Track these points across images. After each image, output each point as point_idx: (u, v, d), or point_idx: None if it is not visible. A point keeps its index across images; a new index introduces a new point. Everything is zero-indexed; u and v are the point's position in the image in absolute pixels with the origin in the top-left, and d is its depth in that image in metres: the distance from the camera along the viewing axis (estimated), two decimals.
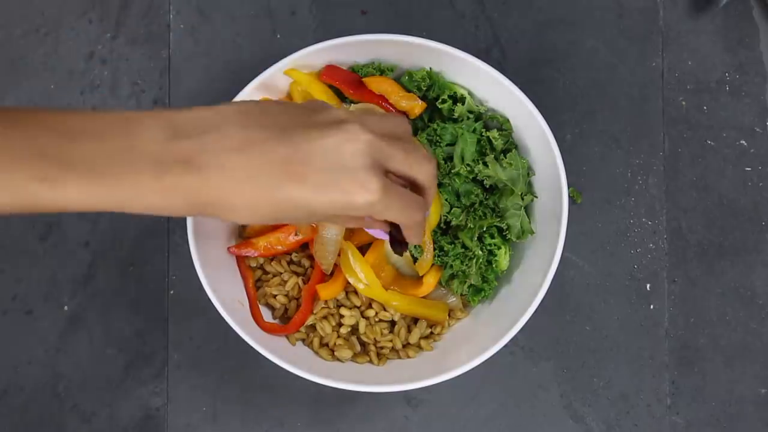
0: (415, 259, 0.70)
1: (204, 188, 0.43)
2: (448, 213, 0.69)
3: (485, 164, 0.67)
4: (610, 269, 0.76)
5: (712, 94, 0.78)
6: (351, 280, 0.67)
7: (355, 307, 0.70)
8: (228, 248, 0.70)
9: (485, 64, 0.66)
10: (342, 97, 0.70)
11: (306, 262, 0.70)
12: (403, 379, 0.66)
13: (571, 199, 0.75)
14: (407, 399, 0.75)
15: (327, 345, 0.70)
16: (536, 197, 0.69)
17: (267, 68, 0.66)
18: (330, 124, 0.45)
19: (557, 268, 0.65)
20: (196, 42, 0.77)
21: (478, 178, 0.68)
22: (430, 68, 0.69)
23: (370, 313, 0.70)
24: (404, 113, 0.70)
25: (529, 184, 0.70)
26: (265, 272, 0.71)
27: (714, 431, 0.76)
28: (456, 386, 0.74)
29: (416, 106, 0.69)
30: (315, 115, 0.47)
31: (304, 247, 0.71)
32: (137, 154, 0.42)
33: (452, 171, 0.68)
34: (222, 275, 0.68)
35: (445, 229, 0.71)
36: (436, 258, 0.69)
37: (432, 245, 0.69)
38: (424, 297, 0.70)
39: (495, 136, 0.68)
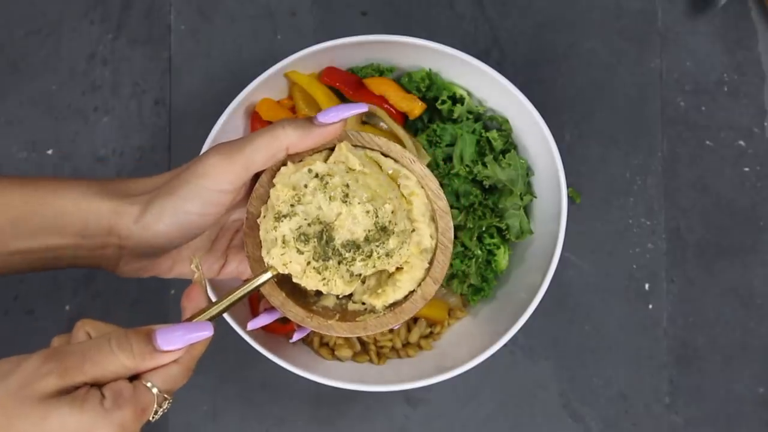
0: None
1: None
2: None
3: (484, 165, 0.68)
4: (609, 269, 0.77)
5: (711, 95, 0.78)
6: None
7: None
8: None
9: (484, 64, 0.66)
10: (342, 98, 0.70)
11: None
12: (402, 378, 0.66)
13: (570, 199, 0.75)
14: (407, 398, 0.76)
15: (327, 344, 0.70)
16: (535, 197, 0.70)
17: (267, 69, 0.66)
18: None
19: (556, 267, 0.66)
20: (197, 43, 0.77)
21: (477, 178, 0.69)
22: (430, 69, 0.69)
23: None
24: (404, 114, 0.70)
25: (528, 185, 0.70)
26: None
27: (712, 430, 0.76)
28: (456, 386, 0.75)
29: (416, 107, 0.69)
30: None
31: None
32: None
33: (451, 171, 0.69)
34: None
35: None
36: None
37: None
38: None
39: (494, 137, 0.68)
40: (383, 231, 0.51)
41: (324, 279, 0.51)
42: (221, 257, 0.55)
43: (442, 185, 0.69)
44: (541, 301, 0.65)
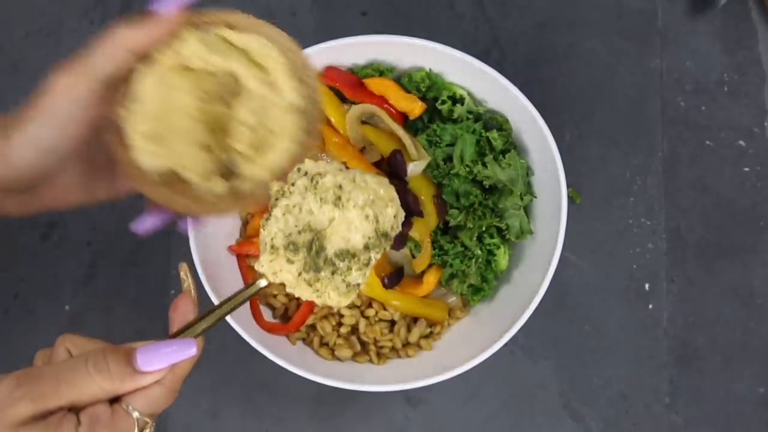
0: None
1: None
2: (447, 214, 0.69)
3: (484, 165, 0.68)
4: (609, 269, 0.77)
5: (711, 95, 0.78)
6: None
7: (355, 306, 0.70)
8: (228, 247, 0.70)
9: (484, 64, 0.66)
10: (342, 99, 0.70)
11: None
12: (402, 378, 0.66)
13: (570, 199, 0.75)
14: (407, 398, 0.76)
15: (327, 344, 0.70)
16: (535, 197, 0.70)
17: None
18: None
19: (556, 267, 0.65)
20: None
21: (477, 178, 0.69)
22: (430, 69, 0.69)
23: (370, 312, 0.70)
24: (404, 114, 0.70)
25: (529, 184, 0.70)
26: None
27: (712, 430, 0.76)
28: (456, 385, 0.75)
29: (416, 107, 0.69)
30: None
31: None
32: None
33: (451, 171, 0.69)
34: (222, 275, 0.68)
35: (445, 229, 0.71)
36: (436, 257, 0.69)
37: (429, 243, 0.69)
38: (424, 296, 0.71)
39: (494, 137, 0.68)
40: (384, 237, 0.47)
41: (317, 291, 0.47)
42: (111, 177, 0.52)
43: (441, 185, 0.69)
44: (541, 301, 0.65)
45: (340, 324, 0.70)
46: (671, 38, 0.78)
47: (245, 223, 0.72)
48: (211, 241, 0.68)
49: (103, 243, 0.76)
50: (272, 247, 0.47)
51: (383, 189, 0.48)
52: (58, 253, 0.76)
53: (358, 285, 0.48)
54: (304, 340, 0.71)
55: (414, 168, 0.68)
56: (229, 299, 0.46)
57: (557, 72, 0.78)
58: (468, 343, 0.68)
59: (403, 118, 0.71)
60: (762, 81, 0.78)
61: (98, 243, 0.76)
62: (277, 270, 0.47)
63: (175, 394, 0.42)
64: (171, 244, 0.76)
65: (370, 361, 0.70)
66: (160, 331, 0.75)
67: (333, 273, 0.47)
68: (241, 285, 0.70)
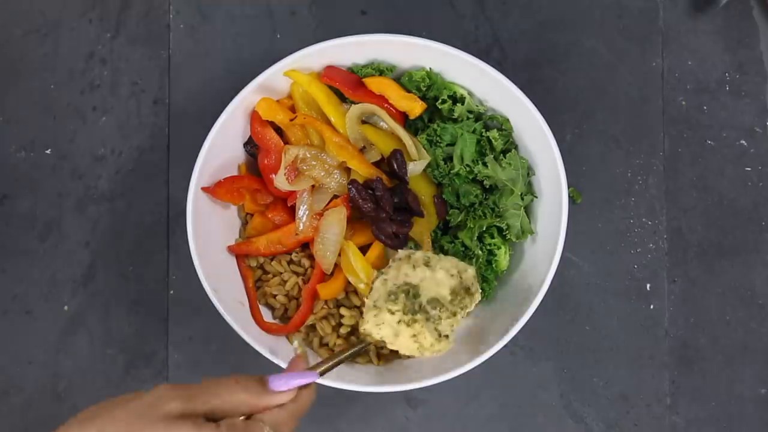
0: None
1: None
2: (448, 213, 0.69)
3: (485, 164, 0.67)
4: (610, 269, 0.76)
5: (712, 94, 0.78)
6: (351, 280, 0.67)
7: (355, 307, 0.70)
8: (228, 247, 0.70)
9: (485, 64, 0.66)
10: (342, 98, 0.70)
11: (306, 262, 0.71)
12: (403, 379, 0.66)
13: (571, 199, 0.75)
14: (407, 399, 0.75)
15: (327, 344, 0.70)
16: (536, 197, 0.69)
17: (267, 68, 0.66)
18: None
19: (557, 268, 0.65)
20: (196, 42, 0.77)
21: (477, 178, 0.68)
22: (430, 68, 0.69)
23: None
24: (404, 113, 0.70)
25: (529, 184, 0.70)
26: (265, 272, 0.71)
27: (714, 431, 0.76)
28: (456, 386, 0.74)
29: (416, 107, 0.69)
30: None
31: (304, 246, 0.71)
32: None
33: (452, 171, 0.68)
34: (222, 275, 0.68)
35: (445, 229, 0.71)
36: None
37: (429, 243, 0.69)
38: None
39: (495, 136, 0.68)
40: (467, 291, 0.59)
41: (415, 336, 0.58)
42: None
43: (442, 185, 0.69)
44: (541, 302, 0.65)
45: (339, 324, 0.70)
46: (672, 37, 0.78)
47: (245, 224, 0.72)
48: (210, 241, 0.68)
49: (102, 243, 0.76)
50: (375, 306, 0.58)
51: (461, 263, 0.61)
52: (57, 254, 0.76)
53: (447, 336, 0.59)
54: (304, 340, 0.71)
55: (414, 168, 0.68)
56: (341, 353, 0.55)
57: (558, 71, 0.77)
58: (468, 344, 0.68)
59: (403, 118, 0.70)
60: (763, 80, 0.78)
61: (97, 243, 0.76)
62: (380, 323, 0.58)
63: (296, 423, 0.51)
64: (171, 244, 0.76)
65: (370, 361, 0.70)
66: (161, 332, 0.75)
67: (426, 320, 0.58)
68: (241, 285, 0.70)
